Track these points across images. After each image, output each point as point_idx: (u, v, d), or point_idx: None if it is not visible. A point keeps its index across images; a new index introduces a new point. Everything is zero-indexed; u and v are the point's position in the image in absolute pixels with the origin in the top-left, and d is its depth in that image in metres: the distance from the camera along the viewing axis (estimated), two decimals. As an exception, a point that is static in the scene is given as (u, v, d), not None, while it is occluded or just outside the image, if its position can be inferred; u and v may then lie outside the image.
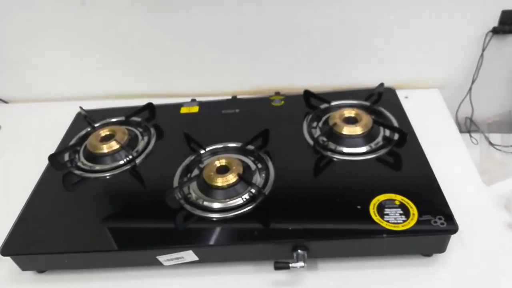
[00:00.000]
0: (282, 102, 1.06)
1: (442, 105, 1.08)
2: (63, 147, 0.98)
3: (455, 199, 0.75)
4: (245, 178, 0.82)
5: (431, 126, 0.98)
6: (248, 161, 0.88)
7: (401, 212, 0.73)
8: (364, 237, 0.73)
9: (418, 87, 1.12)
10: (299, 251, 0.73)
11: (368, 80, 1.08)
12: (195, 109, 1.07)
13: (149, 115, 1.04)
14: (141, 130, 1.02)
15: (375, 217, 0.73)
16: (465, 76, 1.11)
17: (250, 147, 0.90)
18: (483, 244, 0.77)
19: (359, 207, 0.75)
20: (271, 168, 0.85)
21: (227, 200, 0.80)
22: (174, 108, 1.08)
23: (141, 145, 0.97)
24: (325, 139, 0.91)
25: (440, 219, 0.72)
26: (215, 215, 0.78)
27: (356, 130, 0.89)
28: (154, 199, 0.82)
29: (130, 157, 0.92)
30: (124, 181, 0.89)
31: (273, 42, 1.10)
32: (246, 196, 0.80)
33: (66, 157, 0.95)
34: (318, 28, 1.07)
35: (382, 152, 0.87)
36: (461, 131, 1.08)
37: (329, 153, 0.88)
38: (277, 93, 1.09)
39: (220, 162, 0.85)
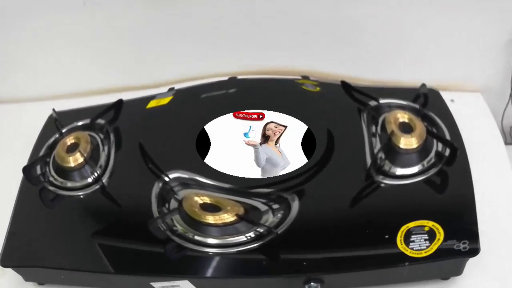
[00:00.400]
0: (318, 88, 0.82)
1: (487, 111, 0.94)
2: (35, 157, 0.82)
3: (486, 220, 0.68)
4: (247, 219, 0.65)
5: (475, 135, 0.83)
6: (256, 203, 0.70)
7: (427, 237, 0.64)
8: (385, 267, 0.65)
9: (457, 89, 0.97)
10: (312, 284, 0.64)
11: (402, 77, 0.97)
12: (165, 101, 0.83)
13: (113, 116, 0.84)
14: (102, 136, 0.83)
15: (401, 245, 0.64)
16: (505, 81, 0.99)
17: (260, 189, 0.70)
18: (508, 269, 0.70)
19: (387, 236, 0.65)
20: (294, 209, 0.67)
21: (226, 236, 0.65)
22: (142, 102, 0.86)
23: (102, 158, 0.79)
24: (383, 156, 0.72)
25: (464, 243, 0.64)
26: (211, 250, 0.65)
27: (412, 142, 0.72)
28: (138, 222, 0.68)
29: (96, 174, 0.76)
30: (100, 201, 0.75)
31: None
32: (251, 234, 0.65)
33: (39, 170, 0.79)
34: (354, 19, 0.92)
35: (431, 172, 0.71)
36: (506, 143, 0.94)
37: (380, 178, 0.71)
38: (305, 77, 0.84)
39: (201, 199, 0.68)
